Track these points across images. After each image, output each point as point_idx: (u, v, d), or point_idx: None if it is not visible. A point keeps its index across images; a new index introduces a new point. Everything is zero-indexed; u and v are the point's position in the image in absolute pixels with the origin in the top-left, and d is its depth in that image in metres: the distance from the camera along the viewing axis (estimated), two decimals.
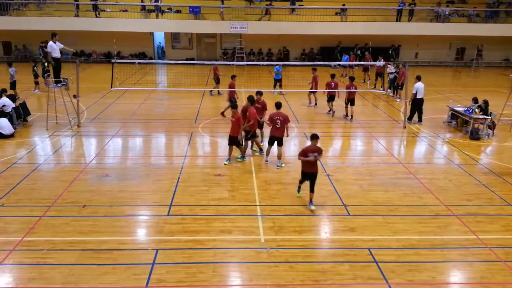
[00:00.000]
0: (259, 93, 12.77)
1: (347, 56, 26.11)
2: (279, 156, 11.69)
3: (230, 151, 11.90)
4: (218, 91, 20.85)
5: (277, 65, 21.12)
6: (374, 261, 7.45)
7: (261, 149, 12.66)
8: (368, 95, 21.53)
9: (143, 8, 29.55)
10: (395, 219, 8.95)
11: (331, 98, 17.24)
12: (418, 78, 16.13)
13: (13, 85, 18.68)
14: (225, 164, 11.74)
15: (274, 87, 20.76)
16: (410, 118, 16.34)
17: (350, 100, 16.57)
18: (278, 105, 11.65)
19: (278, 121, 11.42)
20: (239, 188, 10.24)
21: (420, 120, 16.35)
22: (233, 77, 17.35)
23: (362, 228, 8.56)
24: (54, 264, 7.18)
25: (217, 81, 20.70)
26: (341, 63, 25.78)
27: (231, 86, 16.86)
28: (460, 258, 7.66)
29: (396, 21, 29.99)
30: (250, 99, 12.22)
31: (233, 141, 11.74)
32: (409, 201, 9.79)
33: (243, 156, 12.11)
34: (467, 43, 32.13)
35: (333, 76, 17.79)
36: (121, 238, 8.04)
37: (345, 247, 7.92)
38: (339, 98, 17.47)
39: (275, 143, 11.64)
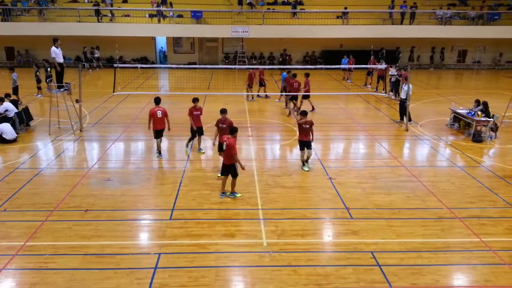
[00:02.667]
0: (196, 100, 12.51)
1: (347, 58, 26.11)
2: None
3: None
4: (265, 94, 21.09)
5: (283, 72, 20.60)
6: (377, 264, 7.42)
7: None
8: (370, 98, 21.52)
9: (157, 14, 29.67)
10: (398, 222, 8.92)
11: (294, 97, 17.78)
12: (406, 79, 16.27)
13: (15, 90, 18.78)
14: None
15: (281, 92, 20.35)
16: (409, 119, 16.31)
17: (294, 97, 17.68)
18: (224, 110, 11.28)
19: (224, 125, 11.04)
20: (241, 192, 10.21)
21: (402, 119, 16.40)
22: (307, 75, 17.82)
23: (365, 231, 8.53)
24: (56, 269, 7.18)
25: (262, 84, 20.92)
26: (342, 66, 25.76)
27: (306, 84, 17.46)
28: (464, 261, 7.62)
29: (401, 23, 30.02)
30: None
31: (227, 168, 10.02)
32: (412, 204, 9.76)
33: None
34: (468, 46, 32.11)
35: (294, 75, 18.24)
36: (123, 243, 8.04)
37: (348, 250, 7.89)
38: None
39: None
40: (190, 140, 12.99)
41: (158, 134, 12.46)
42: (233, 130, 9.76)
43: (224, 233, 8.38)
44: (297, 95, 17.91)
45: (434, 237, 8.36)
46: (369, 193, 10.28)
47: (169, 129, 12.47)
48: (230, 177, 9.91)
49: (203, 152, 13.06)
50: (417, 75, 28.11)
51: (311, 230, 8.60)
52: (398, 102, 20.21)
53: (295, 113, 17.44)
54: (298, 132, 11.94)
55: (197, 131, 12.68)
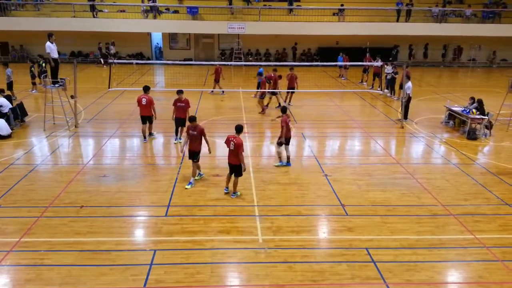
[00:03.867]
0: (180, 92, 13.09)
1: (341, 56, 26.10)
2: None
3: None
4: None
5: (260, 67, 20.65)
6: (372, 261, 7.46)
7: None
8: (366, 95, 21.56)
9: (149, 10, 29.47)
10: (393, 219, 8.97)
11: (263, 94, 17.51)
12: (408, 78, 16.30)
13: (10, 85, 18.66)
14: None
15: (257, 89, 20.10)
16: (405, 117, 16.41)
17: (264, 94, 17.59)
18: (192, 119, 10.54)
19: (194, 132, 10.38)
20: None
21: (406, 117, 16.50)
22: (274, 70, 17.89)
23: (360, 228, 8.57)
24: (51, 265, 7.16)
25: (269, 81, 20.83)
26: (338, 63, 25.78)
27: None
28: (458, 258, 7.68)
29: (396, 21, 30.08)
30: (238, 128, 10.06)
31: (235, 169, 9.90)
32: (407, 201, 9.81)
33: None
34: (463, 43, 32.22)
35: (260, 73, 18.19)
36: (119, 239, 8.03)
37: (343, 247, 7.93)
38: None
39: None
40: (176, 131, 13.55)
41: (143, 120, 13.56)
42: (239, 129, 9.68)
43: (219, 230, 8.39)
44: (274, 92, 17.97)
45: (428, 234, 8.42)
46: (364, 190, 10.32)
47: (155, 118, 13.64)
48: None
49: (176, 142, 13.61)
50: (425, 72, 28.17)
51: (306, 227, 8.63)
52: (395, 99, 20.35)
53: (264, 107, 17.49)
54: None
55: (176, 121, 13.31)
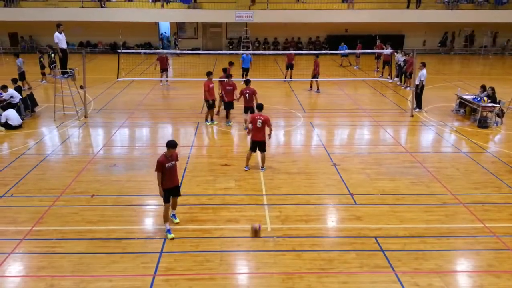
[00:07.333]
0: (229, 76, 14.18)
1: (344, 45, 25.73)
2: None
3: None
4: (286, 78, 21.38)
5: (244, 54, 20.33)
6: (380, 249, 7.46)
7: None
8: (376, 84, 21.36)
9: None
10: (402, 208, 8.94)
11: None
12: (424, 65, 16.11)
13: (21, 76, 18.81)
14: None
15: (242, 76, 19.83)
16: (420, 107, 16.26)
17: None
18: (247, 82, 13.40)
19: (247, 94, 12.98)
20: (245, 178, 10.26)
21: (420, 107, 16.33)
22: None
23: (368, 217, 8.56)
24: (63, 253, 7.28)
25: (291, 67, 21.06)
26: (341, 51, 25.46)
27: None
28: (467, 247, 7.64)
29: (407, 8, 29.61)
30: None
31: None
32: (416, 190, 9.76)
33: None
34: (476, 30, 31.63)
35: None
36: (129, 227, 8.12)
37: (351, 235, 7.93)
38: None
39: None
40: (226, 113, 14.37)
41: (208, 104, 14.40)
42: (261, 107, 10.70)
43: (228, 219, 8.44)
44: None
45: (438, 222, 8.38)
46: (373, 179, 10.28)
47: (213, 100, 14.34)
48: (252, 153, 10.74)
49: (230, 125, 14.32)
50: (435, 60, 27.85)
51: (315, 216, 8.64)
52: (407, 88, 20.05)
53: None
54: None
55: (227, 104, 14.08)
